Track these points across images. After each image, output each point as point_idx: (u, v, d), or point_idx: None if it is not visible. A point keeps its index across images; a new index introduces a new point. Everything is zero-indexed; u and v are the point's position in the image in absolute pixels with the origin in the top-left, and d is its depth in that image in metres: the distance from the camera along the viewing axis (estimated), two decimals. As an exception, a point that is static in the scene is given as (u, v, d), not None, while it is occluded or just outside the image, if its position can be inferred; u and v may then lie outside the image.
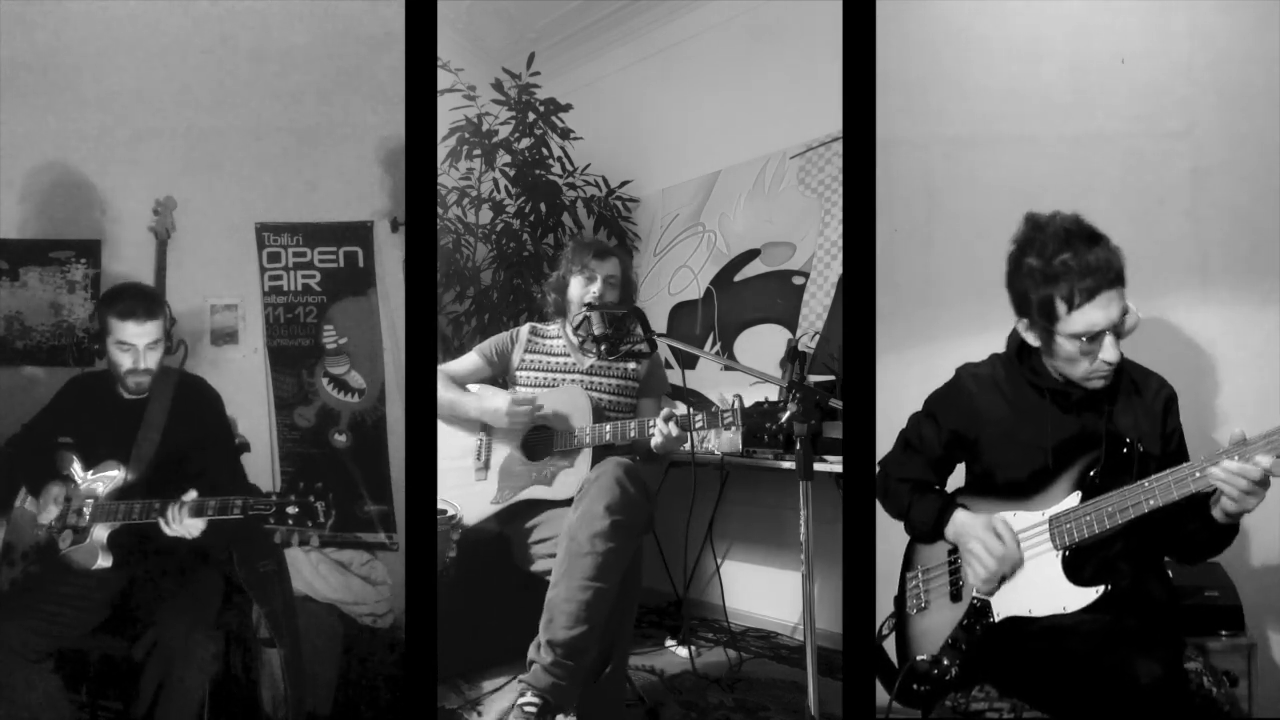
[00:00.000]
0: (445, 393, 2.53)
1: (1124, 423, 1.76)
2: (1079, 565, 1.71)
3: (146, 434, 2.13)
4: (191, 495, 1.98)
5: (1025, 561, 1.75)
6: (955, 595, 1.82)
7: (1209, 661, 1.71)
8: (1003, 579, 1.76)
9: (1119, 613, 1.65)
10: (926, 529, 1.87)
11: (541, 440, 2.46)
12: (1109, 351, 1.65)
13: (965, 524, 1.79)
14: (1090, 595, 1.66)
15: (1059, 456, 1.76)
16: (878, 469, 2.00)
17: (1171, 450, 1.77)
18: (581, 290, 2.59)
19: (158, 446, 2.13)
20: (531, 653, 2.05)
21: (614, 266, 2.61)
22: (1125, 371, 1.77)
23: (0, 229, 2.61)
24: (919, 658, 1.81)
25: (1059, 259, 1.64)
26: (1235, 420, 2.19)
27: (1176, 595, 1.85)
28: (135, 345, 2.11)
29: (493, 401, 2.45)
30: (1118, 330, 1.65)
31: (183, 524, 1.96)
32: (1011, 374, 1.84)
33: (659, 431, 2.24)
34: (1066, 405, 1.78)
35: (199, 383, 2.29)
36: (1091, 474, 1.71)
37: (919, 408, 1.98)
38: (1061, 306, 1.65)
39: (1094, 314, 1.63)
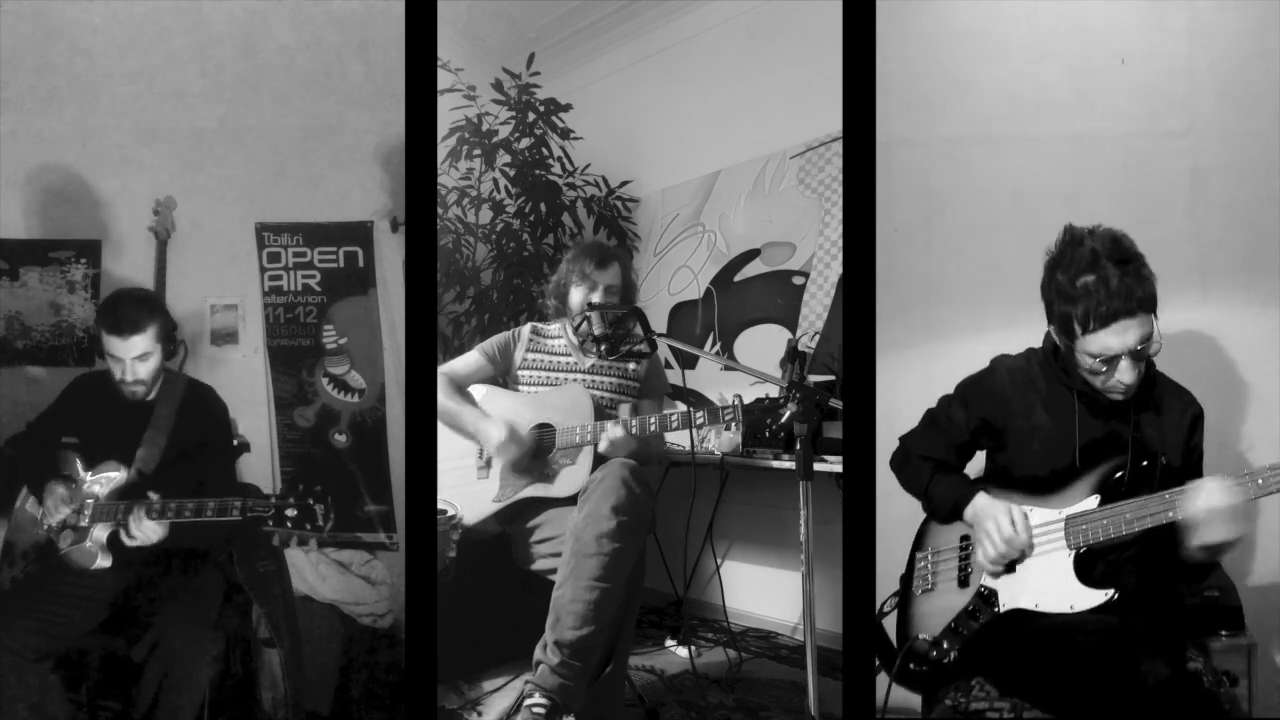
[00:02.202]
0: (447, 401, 2.53)
1: (1150, 433, 1.76)
2: (1089, 566, 1.71)
3: (153, 436, 2.13)
4: (154, 497, 1.98)
5: (1037, 556, 1.75)
6: (963, 581, 1.83)
7: (1210, 661, 1.71)
8: (1010, 564, 1.76)
9: (1126, 615, 1.66)
10: (947, 507, 1.87)
11: (543, 438, 2.47)
12: (1125, 374, 1.66)
13: (984, 507, 1.80)
14: (1099, 597, 1.67)
15: (1083, 458, 1.76)
16: (898, 444, 2.00)
17: (1190, 466, 1.78)
18: (582, 300, 2.58)
19: (163, 450, 2.13)
20: (538, 653, 2.06)
21: (615, 275, 2.61)
22: (1156, 383, 1.78)
23: (4, 229, 2.61)
24: (919, 636, 1.81)
25: (1081, 281, 1.63)
26: (1234, 420, 2.21)
27: (1181, 599, 1.85)
28: (122, 360, 2.10)
29: (491, 434, 2.43)
30: (1136, 354, 1.64)
31: (141, 528, 1.95)
32: (1046, 371, 1.84)
33: (605, 438, 2.28)
34: (1096, 409, 1.78)
35: (207, 390, 2.28)
36: (1117, 476, 1.71)
37: (919, 407, 1.98)
38: (1077, 327, 1.65)
39: (1108, 339, 1.62)
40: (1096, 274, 1.62)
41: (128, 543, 1.97)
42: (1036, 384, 1.85)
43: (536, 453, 2.46)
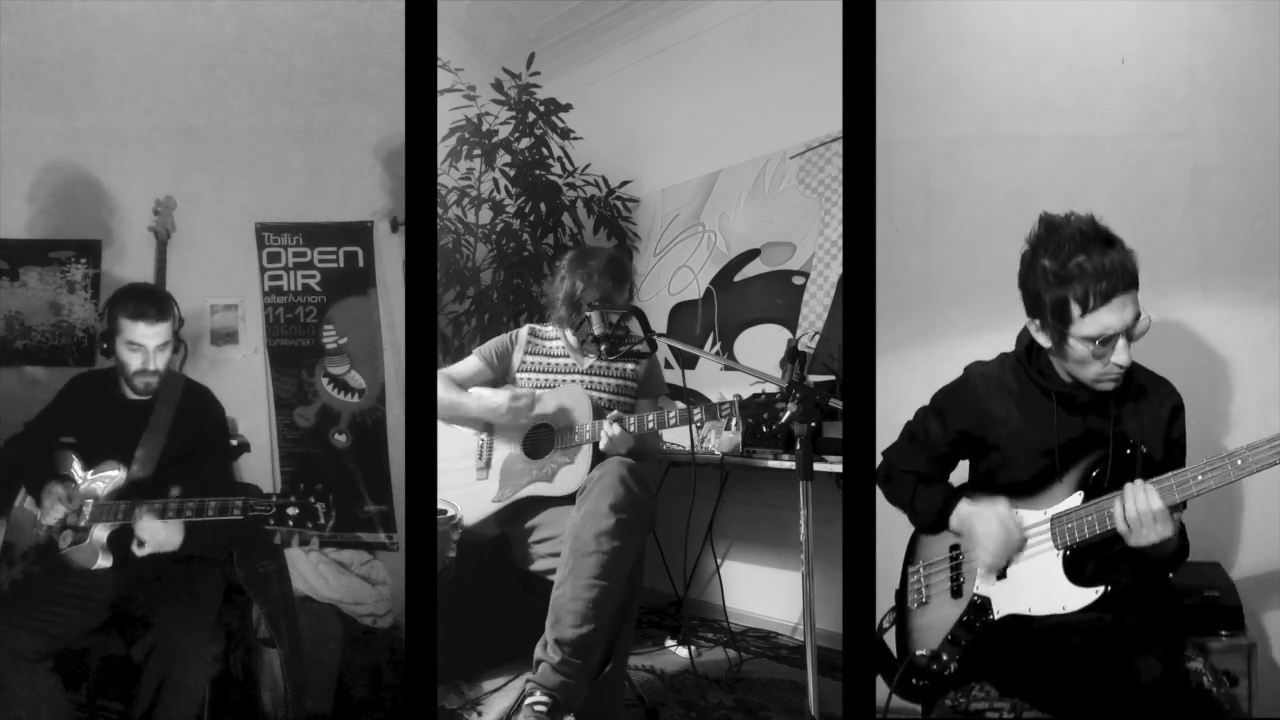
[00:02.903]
0: (447, 394, 2.53)
1: (1130, 426, 1.76)
2: (1079, 565, 1.71)
3: (151, 436, 2.13)
4: (172, 494, 1.99)
5: (1027, 560, 1.75)
6: (956, 591, 1.82)
7: (1209, 661, 1.71)
8: (1006, 563, 1.76)
9: (1119, 613, 1.65)
10: (930, 518, 1.87)
11: (542, 438, 2.47)
12: (1121, 355, 1.65)
13: (970, 512, 1.80)
14: (1090, 595, 1.67)
15: (1063, 457, 1.76)
16: (880, 458, 2.00)
17: (1173, 458, 1.77)
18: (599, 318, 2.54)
19: (162, 450, 2.13)
20: (539, 652, 2.06)
21: (627, 292, 2.56)
22: (1134, 375, 1.77)
23: (4, 229, 2.61)
24: (918, 652, 1.81)
25: (1074, 261, 1.63)
26: (1234, 420, 2.21)
27: (1177, 595, 1.85)
28: (145, 346, 2.11)
29: (493, 399, 2.47)
30: (1130, 333, 1.64)
31: (141, 528, 1.95)
32: (1019, 374, 1.84)
33: (604, 435, 2.29)
34: (1072, 407, 1.78)
35: (205, 392, 2.29)
36: (1095, 474, 1.71)
37: (919, 407, 1.98)
38: (1075, 309, 1.64)
39: (1108, 317, 1.62)
40: (1088, 253, 1.62)
41: (138, 551, 1.97)
42: (1009, 387, 1.84)
43: (533, 453, 2.46)
